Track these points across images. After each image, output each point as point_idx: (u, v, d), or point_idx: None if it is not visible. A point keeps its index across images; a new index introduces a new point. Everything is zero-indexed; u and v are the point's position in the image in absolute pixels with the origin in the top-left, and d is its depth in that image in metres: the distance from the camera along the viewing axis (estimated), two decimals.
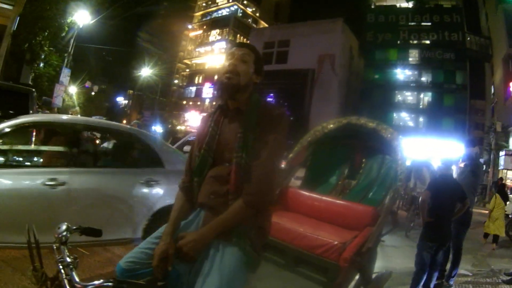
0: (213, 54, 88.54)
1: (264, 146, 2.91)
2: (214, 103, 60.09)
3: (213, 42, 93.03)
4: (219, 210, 2.91)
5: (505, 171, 42.94)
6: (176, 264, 2.86)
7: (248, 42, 65.39)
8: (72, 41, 35.84)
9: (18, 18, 35.96)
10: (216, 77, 78.30)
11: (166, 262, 2.80)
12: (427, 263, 7.26)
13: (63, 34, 39.42)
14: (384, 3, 65.76)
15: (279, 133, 2.97)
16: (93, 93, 71.58)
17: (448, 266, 8.77)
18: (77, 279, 2.51)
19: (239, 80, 3.01)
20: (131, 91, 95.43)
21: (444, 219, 7.39)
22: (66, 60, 36.05)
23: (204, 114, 3.59)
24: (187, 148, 13.86)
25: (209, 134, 3.15)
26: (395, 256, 10.74)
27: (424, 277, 7.30)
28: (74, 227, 2.87)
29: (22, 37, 36.18)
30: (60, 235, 2.74)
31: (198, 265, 2.85)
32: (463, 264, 9.59)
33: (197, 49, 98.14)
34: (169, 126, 51.05)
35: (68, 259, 2.61)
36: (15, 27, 35.92)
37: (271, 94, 46.91)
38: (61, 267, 2.59)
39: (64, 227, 2.78)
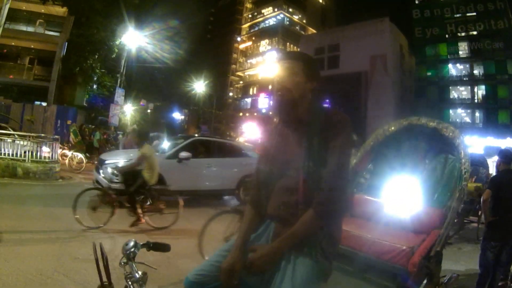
0: (265, 64, 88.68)
1: (331, 154, 2.82)
2: (271, 114, 59.98)
3: (263, 53, 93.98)
4: (289, 220, 2.87)
5: None
6: (246, 276, 2.85)
7: (296, 49, 65.58)
8: (123, 62, 36.48)
9: (67, 44, 37.01)
10: (270, 89, 79.21)
11: (232, 276, 2.79)
12: (491, 263, 7.08)
13: (114, 55, 40.24)
14: None
15: (344, 140, 2.86)
16: (149, 111, 72.41)
17: None
18: None
19: (292, 95, 2.95)
20: (186, 110, 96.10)
21: (507, 217, 7.13)
22: (119, 80, 36.78)
23: (267, 127, 3.54)
24: (183, 154, 13.66)
25: (274, 146, 3.14)
26: (457, 257, 10.52)
27: (489, 279, 7.14)
28: (142, 243, 2.91)
29: (73, 61, 37.30)
30: (128, 252, 2.79)
31: (269, 276, 2.82)
32: None
33: (248, 61, 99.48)
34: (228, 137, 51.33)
35: (137, 275, 2.68)
36: (64, 52, 36.96)
37: (326, 100, 46.64)
38: (130, 283, 2.67)
39: (132, 243, 2.83)
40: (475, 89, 59.33)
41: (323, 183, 2.79)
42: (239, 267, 2.81)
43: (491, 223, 7.25)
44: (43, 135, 20.91)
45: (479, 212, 11.53)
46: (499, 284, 7.55)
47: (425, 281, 4.80)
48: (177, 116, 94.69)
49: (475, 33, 59.12)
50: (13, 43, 38.72)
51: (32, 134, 18.64)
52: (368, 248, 4.83)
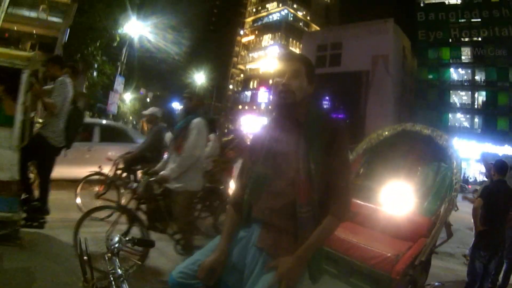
0: (267, 59, 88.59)
1: (337, 159, 2.85)
2: (269, 109, 59.81)
3: (266, 47, 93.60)
4: (276, 225, 2.85)
5: None
6: (225, 276, 2.86)
7: (299, 45, 65.81)
8: (124, 50, 36.40)
9: (69, 30, 36.99)
10: (271, 87, 78.99)
11: (211, 276, 2.79)
12: (479, 273, 7.03)
13: (115, 44, 40.23)
14: (433, 1, 64.60)
15: (344, 145, 2.91)
16: (148, 100, 72.44)
17: (501, 275, 8.35)
18: None
19: (294, 98, 2.90)
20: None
21: (498, 227, 7.08)
22: (119, 68, 36.63)
23: (259, 127, 3.43)
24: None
25: (266, 147, 3.03)
26: (445, 265, 10.40)
27: None
28: (127, 239, 2.90)
29: (74, 48, 37.15)
30: (112, 247, 2.76)
31: (248, 276, 2.79)
32: None
33: (250, 54, 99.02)
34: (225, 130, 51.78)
35: (120, 271, 2.65)
36: (66, 39, 36.89)
37: (326, 98, 46.58)
38: (112, 279, 2.63)
39: (116, 238, 2.81)
40: (476, 95, 59.21)
41: (337, 189, 2.83)
42: (220, 269, 2.80)
43: (481, 232, 7.15)
44: None
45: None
46: None
47: None
48: (177, 106, 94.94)
49: (479, 39, 58.88)
50: (15, 28, 38.40)
51: None
52: (354, 252, 4.85)
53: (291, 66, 2.97)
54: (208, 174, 9.77)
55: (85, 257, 2.78)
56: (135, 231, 5.99)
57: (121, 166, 10.40)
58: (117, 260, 2.75)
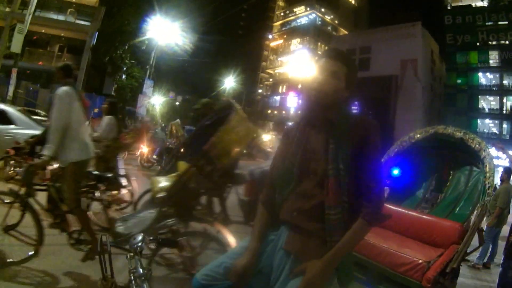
0: (295, 63, 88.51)
1: (369, 161, 2.72)
2: (299, 112, 59.66)
3: (294, 51, 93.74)
4: (302, 227, 2.78)
5: None
6: (251, 279, 2.81)
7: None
8: (153, 54, 36.83)
9: (97, 33, 37.58)
10: (303, 88, 77.88)
11: (243, 278, 2.75)
12: (511, 283, 6.80)
13: (144, 47, 40.62)
14: (460, 3, 64.12)
15: (377, 145, 2.78)
16: (177, 103, 73.24)
17: None
18: None
19: (327, 99, 2.80)
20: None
21: None
22: (148, 71, 37.11)
23: (288, 125, 3.39)
24: None
25: (294, 145, 2.96)
26: (471, 273, 10.22)
27: None
28: (150, 238, 2.92)
29: (103, 51, 37.75)
30: (135, 246, 2.74)
31: (274, 281, 2.76)
32: None
33: (279, 59, 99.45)
34: None
35: (141, 270, 2.64)
36: (94, 41, 37.47)
37: (356, 102, 46.23)
38: (132, 277, 2.61)
39: (140, 237, 2.79)
40: (504, 100, 58.50)
41: (369, 191, 2.70)
42: (251, 271, 2.76)
43: None
44: None
45: None
46: None
47: None
48: None
49: (506, 42, 58.11)
50: (43, 31, 39.63)
51: None
52: (384, 258, 4.78)
53: (332, 66, 2.85)
54: (100, 160, 9.54)
55: (105, 255, 2.78)
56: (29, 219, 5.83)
57: (26, 150, 9.35)
58: (139, 259, 2.74)
